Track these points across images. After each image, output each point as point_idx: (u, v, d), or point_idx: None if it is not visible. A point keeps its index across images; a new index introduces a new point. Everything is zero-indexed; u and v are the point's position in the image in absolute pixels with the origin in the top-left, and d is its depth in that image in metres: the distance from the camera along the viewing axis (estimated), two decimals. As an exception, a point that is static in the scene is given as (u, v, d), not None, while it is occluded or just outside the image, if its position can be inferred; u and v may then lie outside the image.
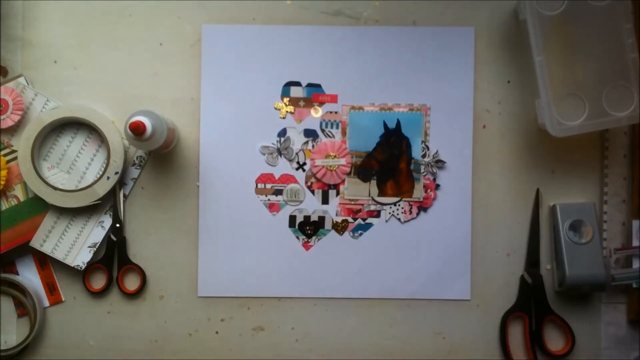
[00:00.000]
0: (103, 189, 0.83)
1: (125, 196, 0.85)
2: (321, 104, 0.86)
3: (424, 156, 0.85)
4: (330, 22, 0.86)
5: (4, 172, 0.83)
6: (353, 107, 0.86)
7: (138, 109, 0.77)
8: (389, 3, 0.86)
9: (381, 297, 0.85)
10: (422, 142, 0.85)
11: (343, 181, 0.86)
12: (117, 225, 0.84)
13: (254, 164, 0.86)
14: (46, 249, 0.84)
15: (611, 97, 0.79)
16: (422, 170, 0.85)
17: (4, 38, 0.85)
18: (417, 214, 0.85)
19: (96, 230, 0.84)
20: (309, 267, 0.85)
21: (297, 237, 0.86)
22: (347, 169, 0.85)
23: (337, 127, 0.86)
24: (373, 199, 0.85)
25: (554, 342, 0.85)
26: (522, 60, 0.86)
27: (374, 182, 0.85)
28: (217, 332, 0.86)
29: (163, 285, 0.85)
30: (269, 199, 0.85)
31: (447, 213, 0.85)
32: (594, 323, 0.85)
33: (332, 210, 0.86)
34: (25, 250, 0.84)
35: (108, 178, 0.83)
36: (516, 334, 0.85)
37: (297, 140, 0.86)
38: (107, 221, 0.85)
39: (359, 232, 0.86)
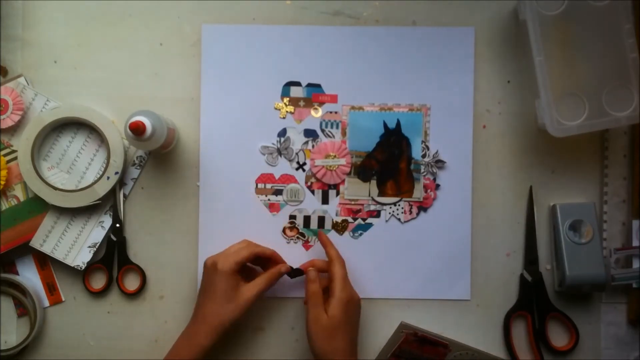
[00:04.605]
0: (103, 189, 0.83)
1: (125, 196, 0.85)
2: (321, 104, 0.86)
3: (424, 156, 0.85)
4: (330, 22, 0.86)
5: (4, 172, 0.83)
6: (353, 107, 0.86)
7: (138, 109, 0.77)
8: (389, 3, 0.86)
9: (381, 297, 0.85)
10: (422, 142, 0.85)
11: (343, 181, 0.85)
12: (117, 225, 0.84)
13: (254, 164, 0.85)
14: (46, 249, 0.84)
15: (611, 97, 0.79)
16: (422, 170, 0.85)
17: (4, 38, 0.85)
18: (417, 214, 0.85)
19: (96, 230, 0.84)
20: (309, 267, 0.85)
21: (297, 237, 0.86)
22: (347, 169, 0.85)
23: (337, 127, 0.86)
24: (373, 199, 0.85)
25: (558, 338, 0.85)
26: (522, 60, 0.86)
27: (374, 182, 0.85)
28: (217, 332, 0.86)
29: (163, 285, 0.85)
30: (269, 199, 0.85)
31: (447, 213, 0.85)
32: (594, 323, 0.85)
33: (332, 210, 0.85)
34: (25, 250, 0.84)
35: (108, 178, 0.83)
36: (517, 333, 0.85)
37: (297, 140, 0.86)
38: (107, 221, 0.85)
39: (359, 232, 0.86)
